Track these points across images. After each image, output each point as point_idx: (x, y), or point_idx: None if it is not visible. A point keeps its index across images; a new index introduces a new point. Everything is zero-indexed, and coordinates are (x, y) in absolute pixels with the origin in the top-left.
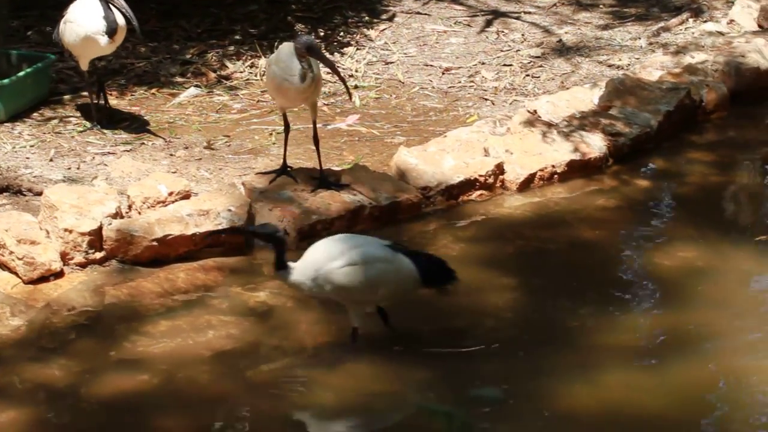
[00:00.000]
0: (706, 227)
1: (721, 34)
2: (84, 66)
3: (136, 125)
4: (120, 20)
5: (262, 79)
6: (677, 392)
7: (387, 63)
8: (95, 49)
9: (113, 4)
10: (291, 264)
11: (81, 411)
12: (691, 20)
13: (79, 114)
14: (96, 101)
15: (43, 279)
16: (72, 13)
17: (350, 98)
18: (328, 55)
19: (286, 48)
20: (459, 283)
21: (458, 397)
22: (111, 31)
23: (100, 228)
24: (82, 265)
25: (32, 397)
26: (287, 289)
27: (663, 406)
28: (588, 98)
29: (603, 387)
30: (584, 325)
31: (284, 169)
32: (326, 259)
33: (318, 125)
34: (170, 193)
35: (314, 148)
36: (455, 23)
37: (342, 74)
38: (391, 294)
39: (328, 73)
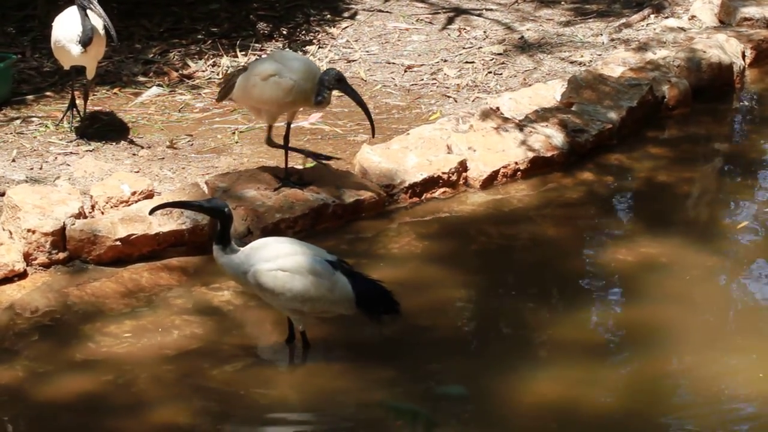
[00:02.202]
0: (669, 223)
1: (682, 29)
2: (66, 67)
3: (98, 125)
4: (100, 31)
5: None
6: (636, 387)
7: (349, 61)
8: (69, 57)
9: (94, 12)
10: (234, 246)
11: (45, 412)
12: (652, 16)
13: (42, 114)
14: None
15: (6, 280)
16: (56, 20)
17: (372, 135)
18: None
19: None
20: (400, 318)
21: (423, 394)
22: (84, 42)
23: (63, 228)
24: (46, 266)
25: None
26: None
27: (623, 401)
28: (550, 95)
29: (564, 383)
30: (547, 320)
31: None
32: (261, 258)
33: (280, 123)
34: (133, 193)
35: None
36: (417, 21)
37: (370, 111)
38: (319, 309)
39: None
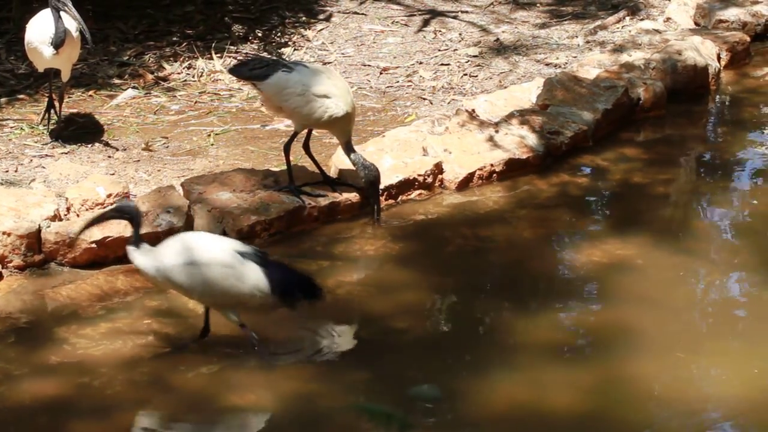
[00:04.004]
0: (643, 224)
1: (657, 32)
2: (40, 70)
3: (73, 127)
4: (74, 33)
5: (200, 81)
6: (609, 389)
7: (325, 63)
8: (42, 59)
9: (69, 14)
10: (146, 247)
11: (20, 415)
12: (627, 18)
13: (17, 117)
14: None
15: None
16: (29, 22)
17: (378, 222)
18: (266, 55)
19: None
20: (323, 301)
21: (397, 396)
22: (57, 43)
23: (39, 231)
24: (21, 268)
25: None
26: None
27: (594, 403)
28: (526, 97)
29: (537, 385)
30: (520, 323)
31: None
32: (170, 254)
33: (255, 126)
34: (108, 195)
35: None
36: (392, 23)
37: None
38: (232, 300)
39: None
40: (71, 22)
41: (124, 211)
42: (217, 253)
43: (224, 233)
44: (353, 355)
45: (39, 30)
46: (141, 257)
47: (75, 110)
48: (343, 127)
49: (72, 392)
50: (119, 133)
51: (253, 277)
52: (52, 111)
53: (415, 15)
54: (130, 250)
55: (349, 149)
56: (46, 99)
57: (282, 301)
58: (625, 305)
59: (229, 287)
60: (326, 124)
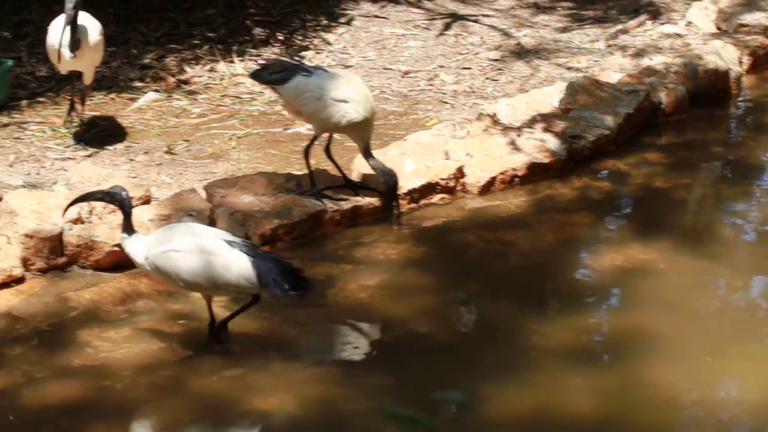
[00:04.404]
0: (666, 229)
1: (679, 36)
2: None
3: (95, 130)
4: (96, 36)
5: (221, 84)
6: (634, 395)
7: (346, 66)
8: (63, 62)
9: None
10: (140, 235)
11: (43, 418)
12: (649, 22)
13: (39, 119)
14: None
15: (4, 285)
16: (51, 25)
17: (396, 225)
18: (287, 59)
19: None
20: (311, 293)
21: (422, 401)
22: (72, 47)
23: (61, 233)
24: (44, 271)
25: None
26: (249, 296)
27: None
28: (547, 101)
29: (561, 389)
30: (545, 327)
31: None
32: (158, 242)
33: (277, 129)
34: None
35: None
36: (414, 26)
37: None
38: (222, 288)
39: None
40: (95, 26)
41: (114, 196)
42: (203, 240)
43: (246, 236)
44: (376, 359)
45: (59, 33)
46: (132, 245)
47: (97, 113)
48: (361, 132)
49: (94, 395)
50: (141, 136)
51: (240, 265)
52: (74, 114)
53: (436, 18)
54: (122, 237)
55: (367, 154)
56: (68, 101)
57: (268, 291)
58: (648, 309)
59: (217, 275)
60: (345, 129)
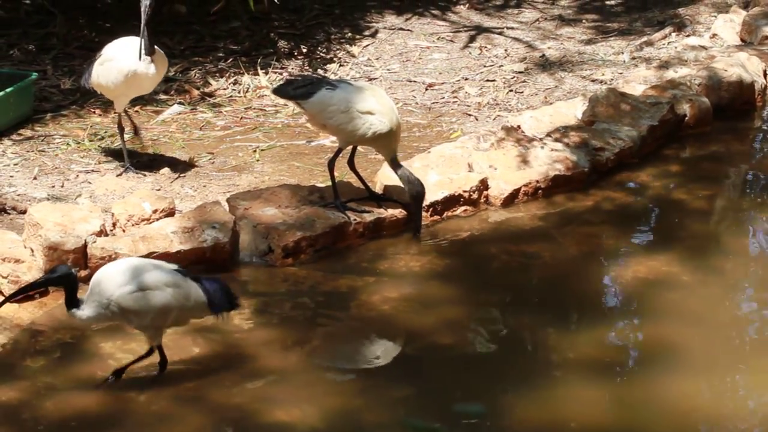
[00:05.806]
0: (689, 241)
1: (703, 48)
2: (120, 107)
3: (120, 143)
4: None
5: (245, 96)
6: (655, 407)
7: (370, 79)
8: (144, 80)
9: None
10: (82, 301)
11: (65, 430)
12: (673, 34)
13: (63, 132)
14: (124, 142)
15: (28, 297)
16: (106, 54)
17: (417, 237)
18: (311, 72)
19: None
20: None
21: (442, 412)
22: (149, 50)
23: (85, 246)
24: None
25: (16, 416)
26: (272, 307)
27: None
28: (571, 113)
29: (582, 402)
30: (566, 339)
31: (372, 195)
32: (116, 285)
33: (301, 141)
34: (154, 211)
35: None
36: (438, 39)
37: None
38: (180, 319)
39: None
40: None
41: (62, 278)
42: (164, 274)
43: (270, 249)
44: (398, 371)
45: (125, 52)
46: (82, 315)
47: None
48: (387, 143)
49: (116, 408)
50: (165, 148)
51: (196, 294)
52: (141, 133)
53: (460, 31)
54: (71, 313)
55: (395, 165)
56: (132, 126)
57: (214, 314)
58: (671, 322)
59: (180, 307)
60: (371, 141)
